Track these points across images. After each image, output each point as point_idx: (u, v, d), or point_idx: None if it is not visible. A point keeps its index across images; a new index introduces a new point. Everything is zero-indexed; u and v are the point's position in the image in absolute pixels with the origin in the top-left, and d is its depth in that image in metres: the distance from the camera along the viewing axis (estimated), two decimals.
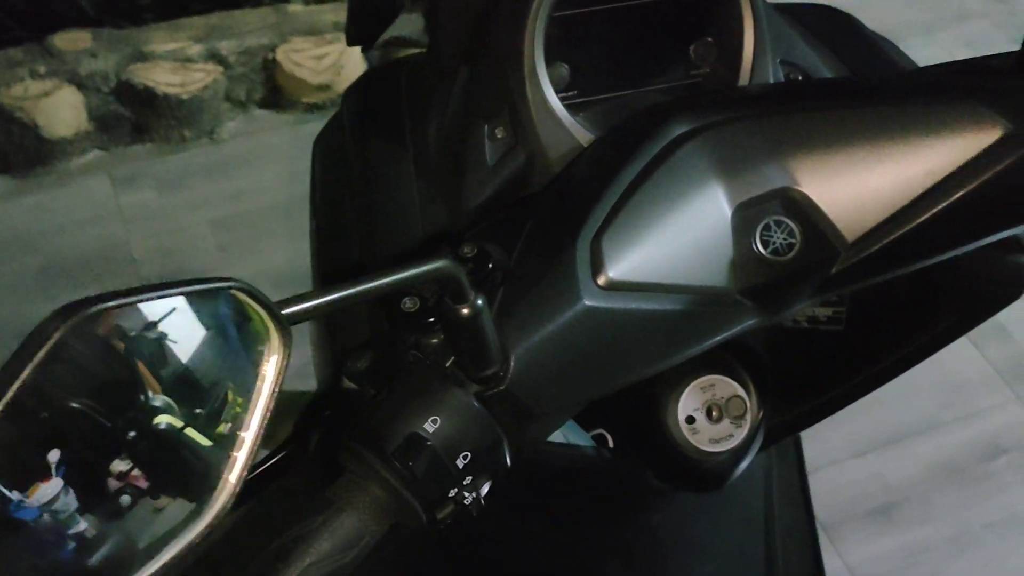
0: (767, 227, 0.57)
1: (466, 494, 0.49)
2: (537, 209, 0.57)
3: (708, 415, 0.70)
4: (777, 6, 0.77)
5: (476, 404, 0.48)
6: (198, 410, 0.37)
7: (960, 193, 0.56)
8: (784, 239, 0.57)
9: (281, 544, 0.45)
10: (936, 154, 0.56)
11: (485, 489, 0.51)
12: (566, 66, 0.69)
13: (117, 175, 2.15)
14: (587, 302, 0.51)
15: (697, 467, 0.71)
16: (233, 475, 0.35)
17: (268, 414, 0.36)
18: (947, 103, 0.57)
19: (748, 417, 0.70)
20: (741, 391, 0.70)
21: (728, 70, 0.69)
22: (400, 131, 0.71)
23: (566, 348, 0.51)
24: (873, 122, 0.57)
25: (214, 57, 2.11)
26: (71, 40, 2.09)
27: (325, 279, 0.72)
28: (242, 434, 0.36)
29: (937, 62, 0.64)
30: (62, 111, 2.07)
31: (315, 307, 0.39)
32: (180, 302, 0.35)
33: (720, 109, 0.60)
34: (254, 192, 2.08)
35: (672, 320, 0.54)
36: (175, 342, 0.35)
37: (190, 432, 0.39)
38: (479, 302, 0.46)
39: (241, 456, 0.35)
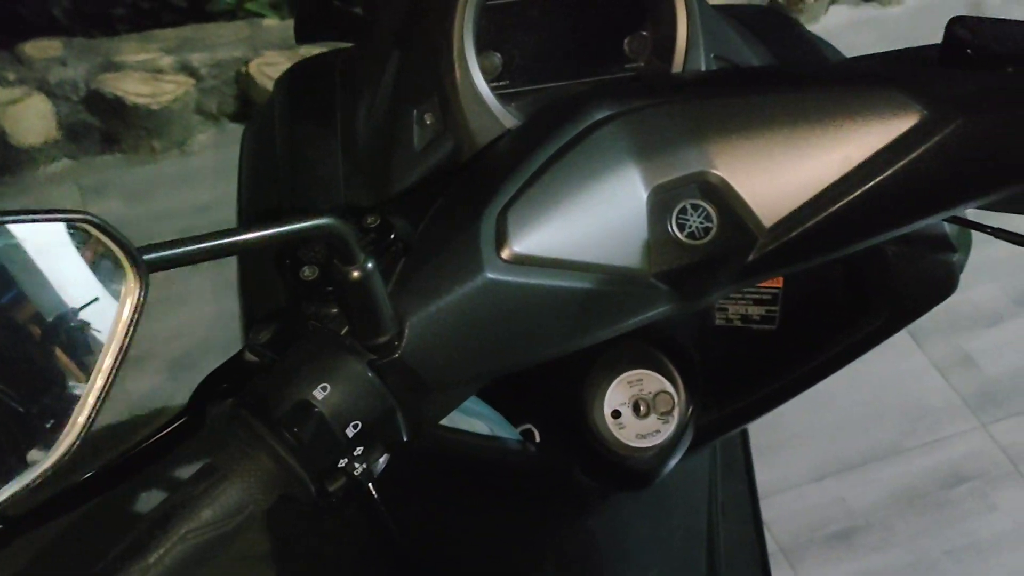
0: (683, 210, 0.56)
1: (356, 465, 0.47)
2: (449, 185, 0.57)
3: (635, 410, 0.69)
4: (718, 6, 0.78)
5: (368, 372, 0.47)
6: None
7: (877, 179, 0.56)
8: (700, 222, 0.56)
9: (160, 511, 0.44)
10: (853, 139, 0.56)
11: (382, 463, 0.50)
12: (498, 55, 0.69)
13: (85, 184, 2.14)
14: (489, 274, 0.50)
15: (623, 463, 0.70)
16: (82, 416, 0.34)
17: (121, 355, 0.35)
18: (865, 89, 0.57)
19: (676, 413, 0.70)
20: (669, 387, 0.70)
21: (662, 64, 0.69)
22: (330, 116, 0.70)
23: (464, 320, 0.50)
24: (792, 107, 0.57)
25: (186, 69, 2.11)
26: (41, 48, 2.08)
27: (244, 258, 0.71)
28: (95, 375, 0.34)
29: None
30: (31, 119, 2.06)
31: (179, 255, 0.38)
32: (38, 235, 0.34)
33: (642, 95, 0.59)
34: (222, 204, 2.06)
35: (582, 299, 0.53)
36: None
37: None
38: (368, 265, 0.45)
39: (91, 397, 0.34)
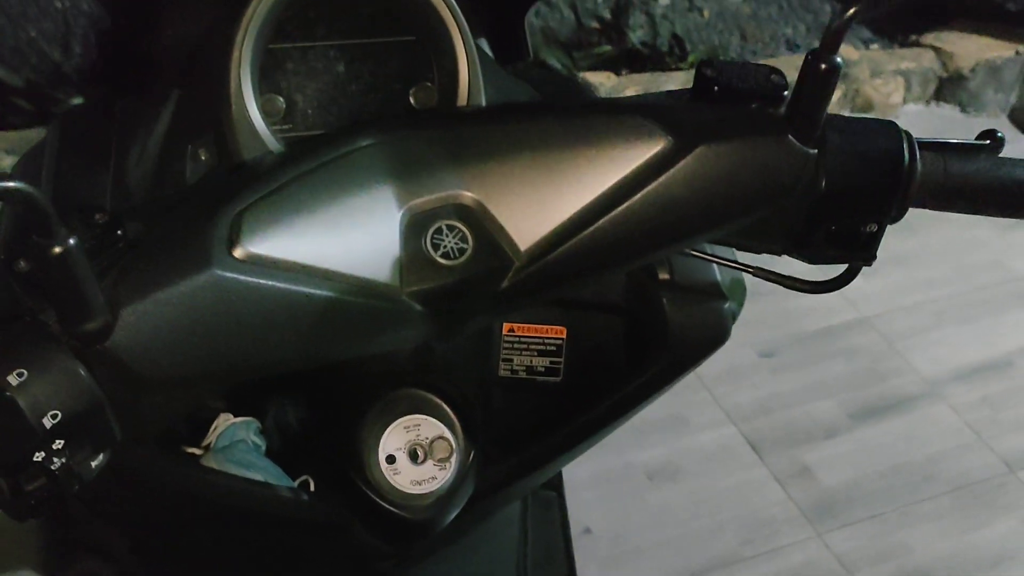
0: (439, 231, 0.57)
1: (56, 460, 0.44)
2: (194, 189, 0.56)
3: (412, 456, 0.67)
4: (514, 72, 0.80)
5: (72, 360, 0.45)
6: None
7: (626, 203, 0.57)
8: (455, 244, 0.57)
9: None
10: (603, 164, 0.57)
11: (95, 464, 0.47)
12: (281, 99, 0.69)
13: None
14: (217, 270, 0.49)
15: (399, 511, 0.68)
16: None
17: None
18: (615, 117, 0.59)
19: (454, 460, 0.68)
20: (447, 433, 0.68)
21: None
22: (103, 154, 0.69)
23: (186, 315, 0.48)
24: (546, 134, 0.58)
25: None
26: None
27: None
28: None
29: None
30: None
31: None
32: None
33: (406, 125, 0.60)
34: None
35: (324, 306, 0.52)
36: None
37: None
38: (71, 241, 0.43)
39: None
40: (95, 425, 0.46)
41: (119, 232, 0.49)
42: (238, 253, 0.50)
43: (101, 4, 0.72)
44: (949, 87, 3.08)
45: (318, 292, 0.52)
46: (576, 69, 2.61)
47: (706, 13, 2.89)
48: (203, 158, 0.66)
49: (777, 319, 2.26)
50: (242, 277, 0.49)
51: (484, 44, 0.80)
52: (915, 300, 2.37)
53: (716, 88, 0.60)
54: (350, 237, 0.54)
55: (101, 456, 0.47)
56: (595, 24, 2.67)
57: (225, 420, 0.76)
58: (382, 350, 0.57)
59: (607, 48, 2.59)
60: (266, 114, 0.68)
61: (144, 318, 0.47)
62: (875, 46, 3.09)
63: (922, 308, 2.36)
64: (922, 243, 2.46)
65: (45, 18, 2.18)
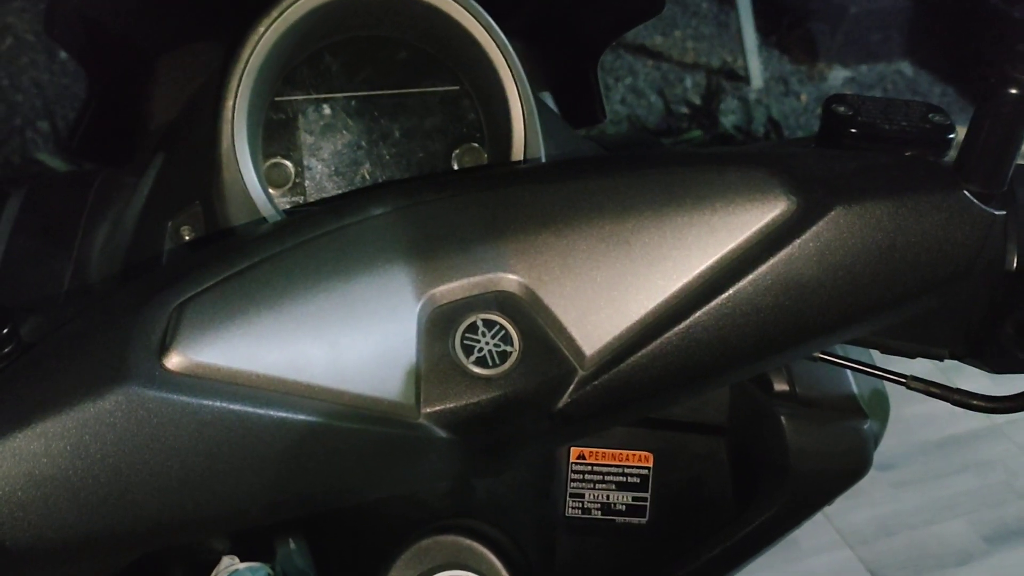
0: (473, 328, 0.41)
1: None
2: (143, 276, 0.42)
3: None
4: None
5: None
6: None
7: (734, 287, 0.41)
8: (495, 345, 0.41)
9: None
10: (699, 234, 0.41)
11: None
12: (290, 164, 0.56)
13: None
14: (136, 386, 0.33)
15: None
16: None
17: None
18: (716, 170, 0.43)
19: None
20: None
21: None
22: (70, 229, 0.56)
23: (84, 454, 0.33)
24: (621, 195, 0.43)
25: None
26: None
27: None
28: None
29: None
30: None
31: None
32: None
33: (436, 187, 0.46)
34: None
35: (305, 436, 0.37)
36: None
37: None
38: None
39: None
40: None
41: (6, 331, 0.35)
42: (173, 362, 0.35)
43: (85, 67, 0.60)
44: None
45: (295, 416, 0.36)
46: None
47: (803, 97, 2.74)
48: (187, 237, 0.53)
49: (894, 426, 2.04)
50: (176, 397, 0.34)
51: (548, 98, 0.66)
52: None
53: (853, 131, 0.44)
54: (346, 339, 0.39)
55: None
56: (685, 110, 2.54)
57: (228, 565, 0.63)
58: (394, 492, 0.41)
59: (698, 133, 2.45)
60: (271, 182, 0.54)
61: (17, 460, 0.32)
62: None
63: None
64: None
65: None
